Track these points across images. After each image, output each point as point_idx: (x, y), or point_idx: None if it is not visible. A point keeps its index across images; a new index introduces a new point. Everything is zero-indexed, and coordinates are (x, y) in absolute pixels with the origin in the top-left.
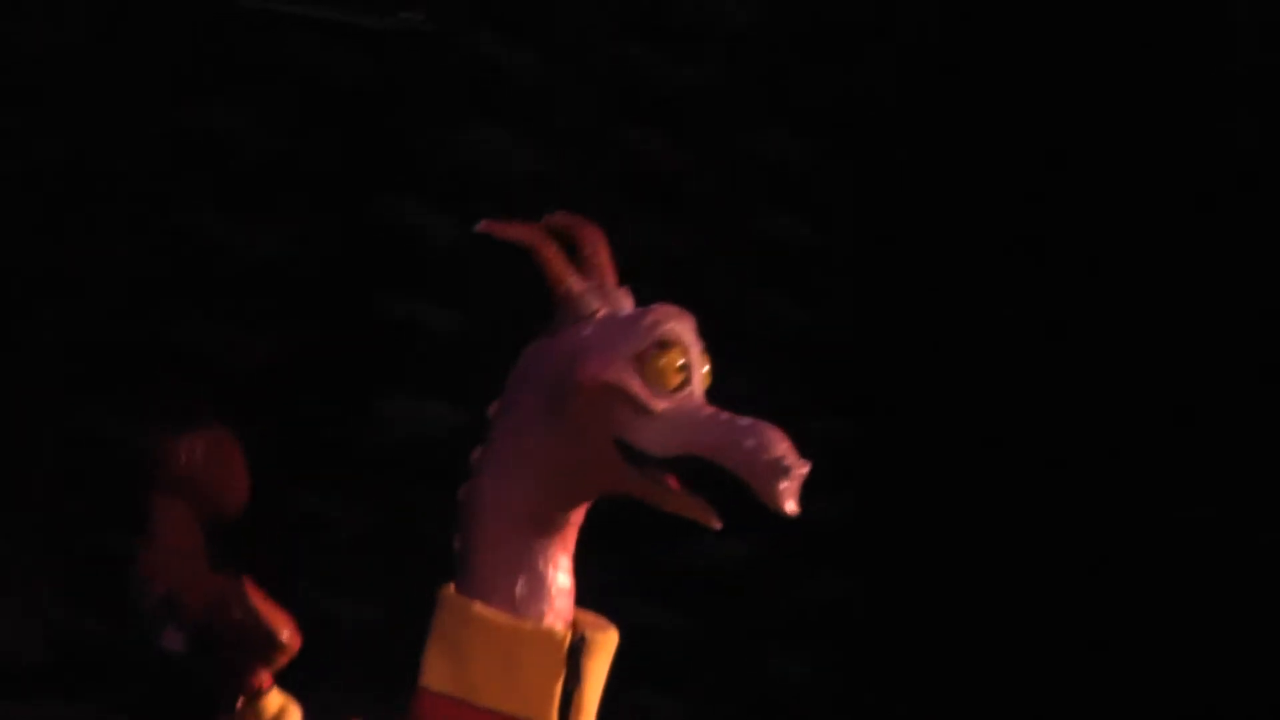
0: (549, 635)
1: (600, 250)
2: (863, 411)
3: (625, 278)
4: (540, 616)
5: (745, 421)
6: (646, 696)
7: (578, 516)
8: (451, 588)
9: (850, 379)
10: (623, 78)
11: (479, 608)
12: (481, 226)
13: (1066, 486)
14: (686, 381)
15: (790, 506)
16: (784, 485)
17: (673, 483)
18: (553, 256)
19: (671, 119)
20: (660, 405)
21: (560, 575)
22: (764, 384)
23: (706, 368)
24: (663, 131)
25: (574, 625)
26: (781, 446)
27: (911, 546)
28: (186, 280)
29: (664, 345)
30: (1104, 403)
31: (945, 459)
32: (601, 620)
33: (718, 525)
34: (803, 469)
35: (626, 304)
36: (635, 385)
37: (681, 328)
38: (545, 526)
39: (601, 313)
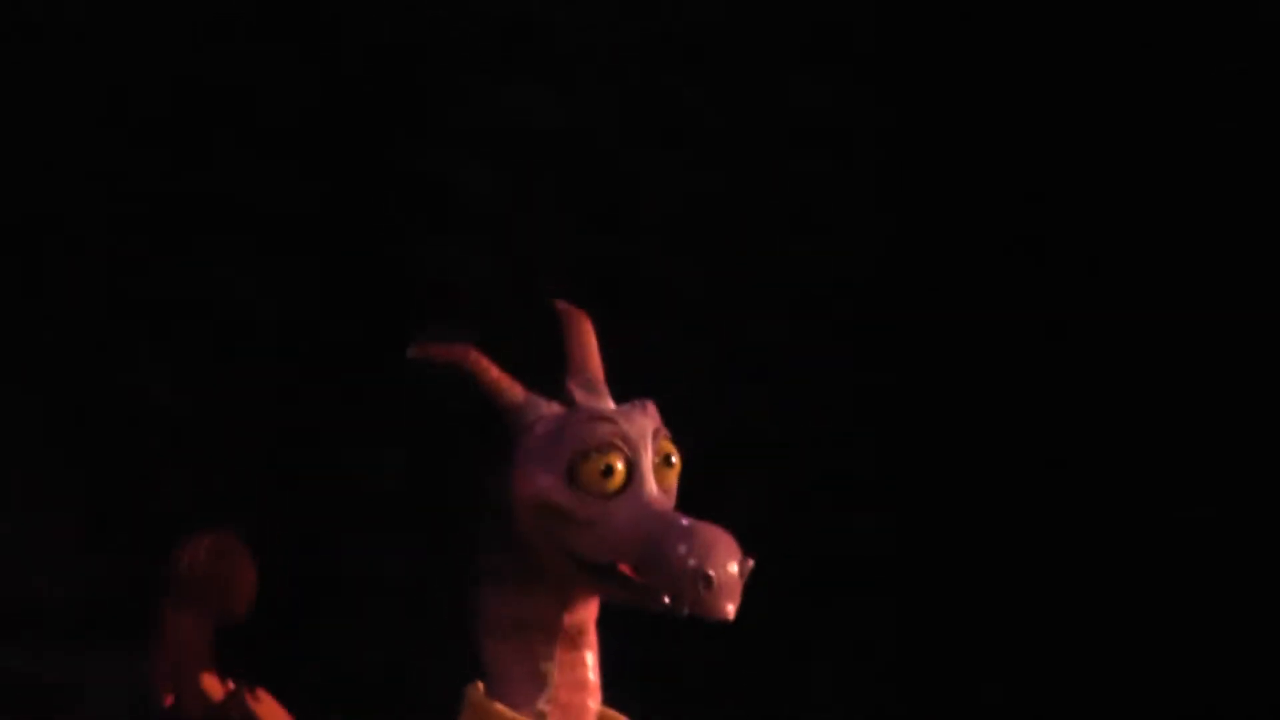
0: None
1: (585, 341)
2: (896, 365)
3: (655, 226)
4: (557, 718)
5: (678, 527)
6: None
7: (588, 613)
8: (480, 687)
9: (886, 329)
10: (651, 23)
11: (498, 710)
12: (413, 352)
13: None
14: (629, 482)
15: (726, 612)
16: (706, 595)
17: (628, 574)
18: (486, 372)
19: (701, 65)
20: (591, 513)
21: (577, 674)
22: (796, 335)
23: (672, 457)
24: (693, 78)
25: None
26: (708, 554)
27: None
28: (211, 233)
29: (593, 452)
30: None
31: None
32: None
33: (684, 614)
34: (734, 576)
35: (602, 398)
36: (563, 498)
37: (618, 429)
38: (551, 630)
39: (540, 423)
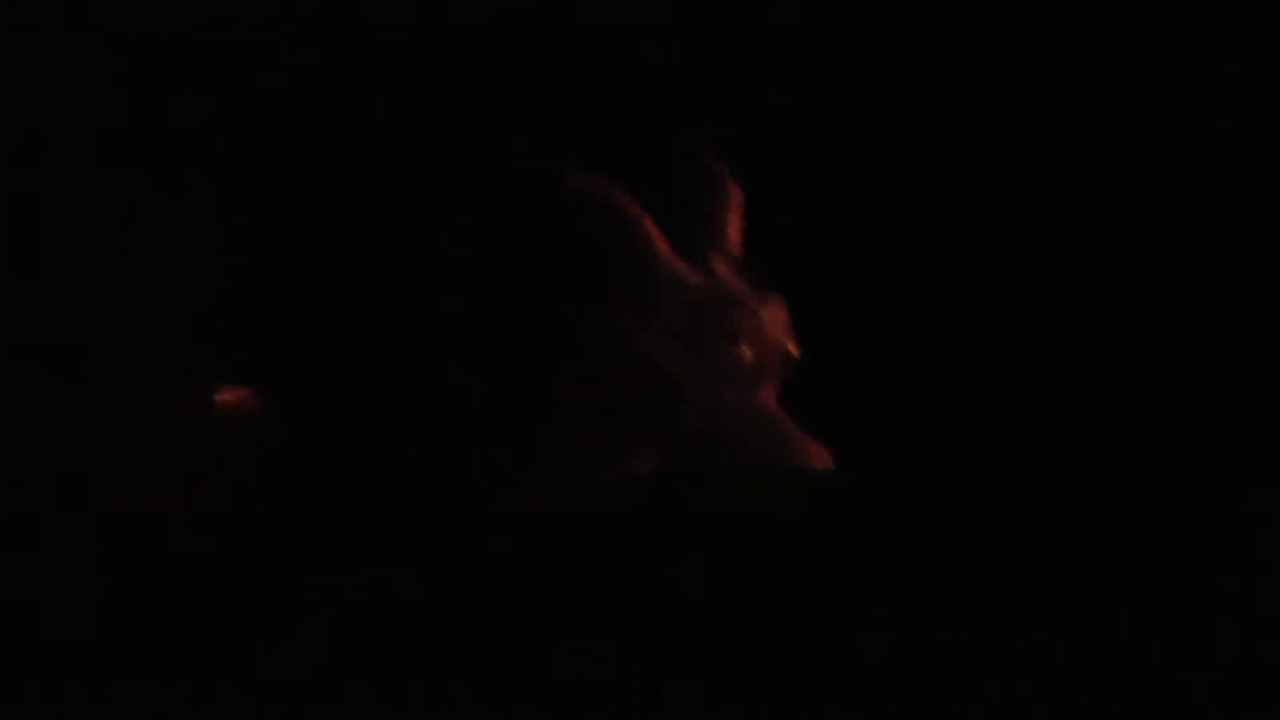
0: None
1: (733, 210)
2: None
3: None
4: None
5: (777, 433)
6: None
7: None
8: None
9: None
10: None
11: None
12: (572, 180)
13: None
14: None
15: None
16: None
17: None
18: (640, 220)
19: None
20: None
21: None
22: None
23: (789, 355)
24: None
25: None
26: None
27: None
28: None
29: (725, 341)
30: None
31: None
32: None
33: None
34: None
35: (738, 275)
36: (682, 379)
37: (756, 322)
38: None
39: (678, 294)
